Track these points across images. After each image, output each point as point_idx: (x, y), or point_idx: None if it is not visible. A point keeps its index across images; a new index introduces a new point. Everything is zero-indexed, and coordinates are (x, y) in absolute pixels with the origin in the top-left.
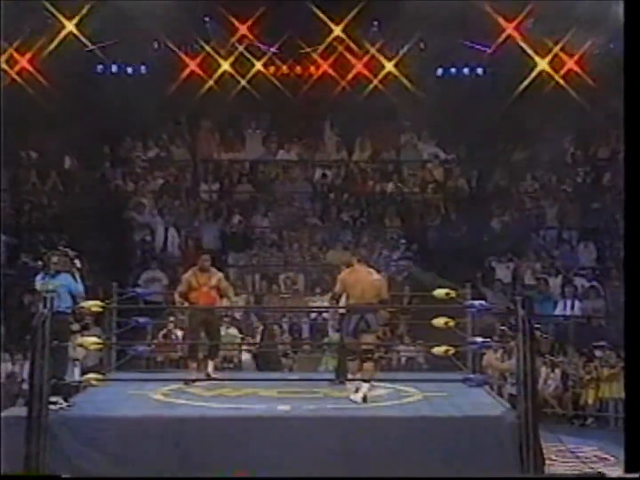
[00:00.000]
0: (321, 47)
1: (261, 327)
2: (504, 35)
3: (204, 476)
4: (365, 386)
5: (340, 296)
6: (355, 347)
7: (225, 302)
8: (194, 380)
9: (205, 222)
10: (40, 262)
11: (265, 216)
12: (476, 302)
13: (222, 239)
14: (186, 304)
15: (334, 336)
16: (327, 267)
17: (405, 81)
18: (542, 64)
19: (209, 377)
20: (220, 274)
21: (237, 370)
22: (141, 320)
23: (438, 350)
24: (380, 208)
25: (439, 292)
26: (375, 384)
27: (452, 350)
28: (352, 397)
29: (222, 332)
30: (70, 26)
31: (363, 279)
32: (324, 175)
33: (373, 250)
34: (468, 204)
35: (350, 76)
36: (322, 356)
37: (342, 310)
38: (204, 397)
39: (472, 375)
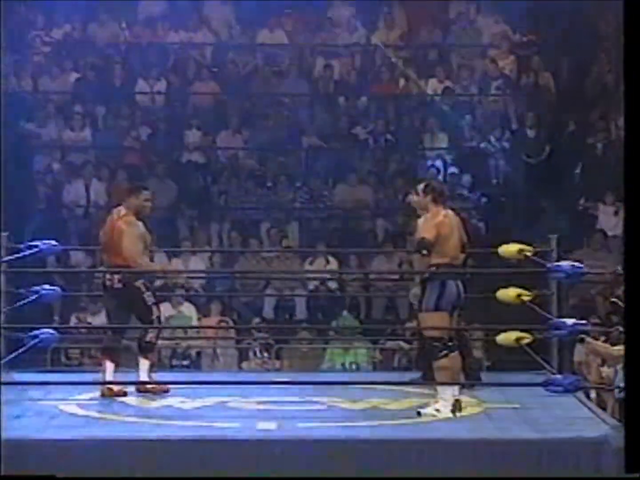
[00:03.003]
0: None
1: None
2: None
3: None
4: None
5: (431, 247)
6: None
7: None
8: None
9: (145, 141)
10: None
11: (238, 132)
12: (565, 265)
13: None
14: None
15: (348, 317)
16: (335, 211)
17: None
18: None
19: (148, 385)
20: None
21: (195, 370)
22: (46, 291)
23: (506, 338)
24: (416, 119)
25: (509, 249)
26: (406, 388)
27: (527, 339)
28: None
29: (170, 311)
30: None
31: (457, 228)
32: (328, 68)
33: (404, 184)
34: (554, 112)
35: None
36: (326, 348)
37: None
38: (145, 410)
39: (558, 377)
